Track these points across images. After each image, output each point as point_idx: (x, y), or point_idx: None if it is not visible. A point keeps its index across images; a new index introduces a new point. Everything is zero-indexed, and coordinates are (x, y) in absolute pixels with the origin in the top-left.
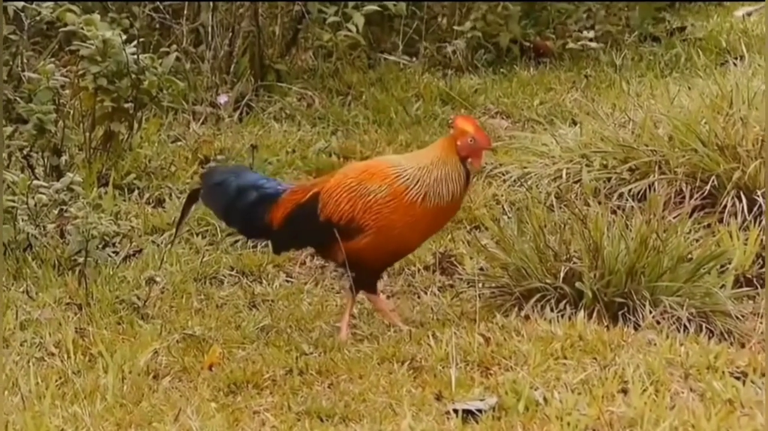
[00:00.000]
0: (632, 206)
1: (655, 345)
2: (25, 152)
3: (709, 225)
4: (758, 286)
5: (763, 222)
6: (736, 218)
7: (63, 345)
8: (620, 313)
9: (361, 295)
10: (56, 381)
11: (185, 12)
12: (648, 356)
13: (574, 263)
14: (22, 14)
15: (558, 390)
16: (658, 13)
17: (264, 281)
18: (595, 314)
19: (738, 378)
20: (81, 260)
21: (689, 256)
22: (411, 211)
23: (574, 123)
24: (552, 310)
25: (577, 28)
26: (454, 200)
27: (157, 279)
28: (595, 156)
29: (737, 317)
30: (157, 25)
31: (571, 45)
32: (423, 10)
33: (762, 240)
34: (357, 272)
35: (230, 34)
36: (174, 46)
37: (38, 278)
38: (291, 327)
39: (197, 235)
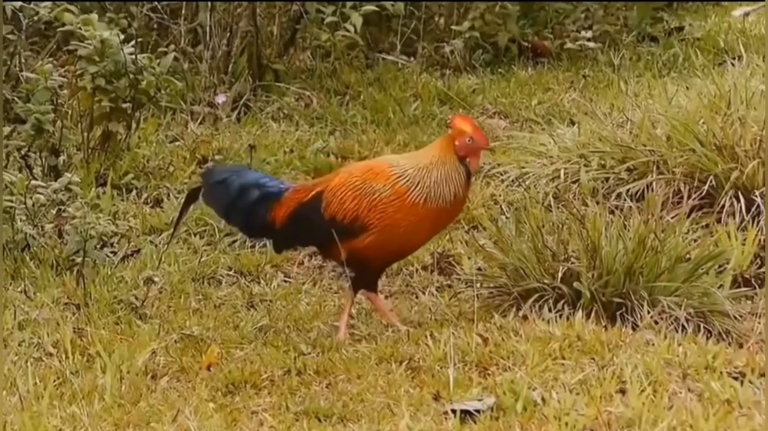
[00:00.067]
0: (630, 206)
1: (653, 345)
2: (23, 151)
3: (707, 225)
4: (756, 286)
5: (761, 222)
6: (734, 218)
7: (61, 345)
8: (618, 313)
9: (360, 295)
10: (54, 381)
11: (183, 12)
12: (646, 356)
13: (572, 263)
14: (20, 14)
15: (556, 390)
16: (656, 13)
17: (262, 282)
18: (593, 315)
19: (736, 379)
20: (79, 260)
21: (687, 256)
22: (414, 211)
23: (572, 123)
24: (550, 310)
25: (575, 28)
26: (456, 200)
27: (155, 279)
28: (593, 156)
29: (735, 318)
30: (155, 25)
31: (569, 45)
32: (421, 10)
33: (760, 240)
34: (358, 271)
35: (228, 34)
36: (172, 46)
37: (36, 278)
38: (289, 327)
39: (195, 235)
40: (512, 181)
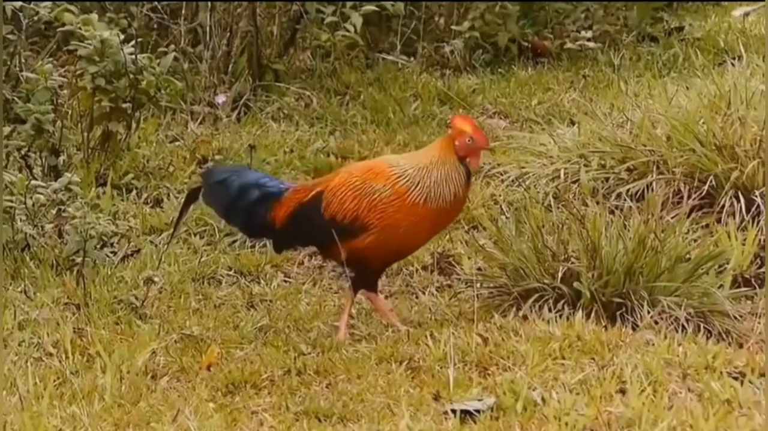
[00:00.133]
0: (630, 206)
1: (653, 345)
2: (23, 151)
3: (707, 225)
4: (756, 286)
5: (761, 222)
6: (734, 218)
7: (61, 345)
8: (618, 313)
9: (360, 295)
10: (54, 381)
11: (183, 12)
12: (646, 356)
13: (572, 263)
14: (20, 14)
15: (556, 390)
16: (656, 13)
17: (262, 282)
18: (593, 315)
19: (736, 379)
20: (79, 260)
21: (687, 256)
22: (414, 211)
23: (572, 123)
24: (550, 310)
25: (575, 28)
26: (456, 200)
27: (155, 279)
28: (593, 156)
29: (735, 318)
30: (155, 25)
31: (569, 45)
32: (421, 10)
33: (760, 240)
34: (358, 271)
35: (228, 34)
36: (172, 46)
37: (36, 278)
38: (289, 327)
39: (195, 235)
40: (512, 181)
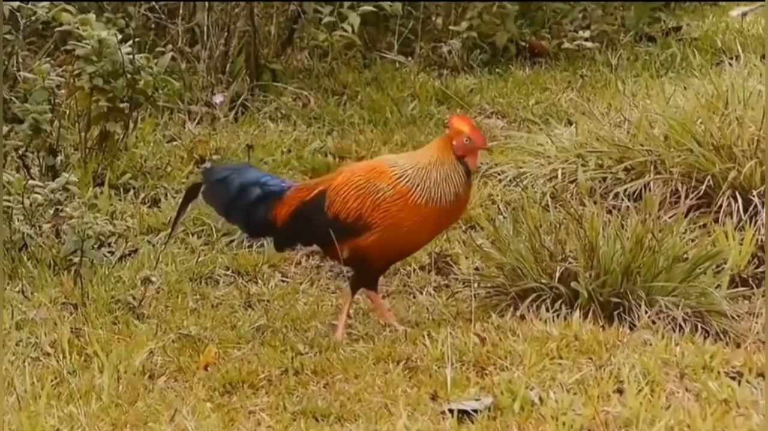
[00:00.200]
0: (628, 206)
1: (650, 345)
2: (20, 151)
3: (704, 225)
4: (754, 286)
5: (759, 222)
6: (731, 218)
7: (58, 345)
8: (616, 313)
9: (359, 295)
10: (52, 380)
11: (181, 12)
12: (643, 356)
13: (570, 263)
14: (18, 14)
15: (553, 390)
16: (653, 12)
17: (259, 281)
18: (590, 314)
19: (733, 378)
20: (76, 260)
21: (685, 256)
22: (418, 211)
23: (570, 123)
24: (547, 310)
25: (572, 28)
26: (458, 199)
27: (153, 279)
28: (591, 156)
29: (733, 317)
30: (153, 25)
31: (566, 45)
32: (419, 9)
33: (758, 240)
34: (360, 270)
35: (226, 33)
36: (169, 46)
37: (34, 278)
38: (286, 327)
39: (193, 235)
40: (510, 181)
